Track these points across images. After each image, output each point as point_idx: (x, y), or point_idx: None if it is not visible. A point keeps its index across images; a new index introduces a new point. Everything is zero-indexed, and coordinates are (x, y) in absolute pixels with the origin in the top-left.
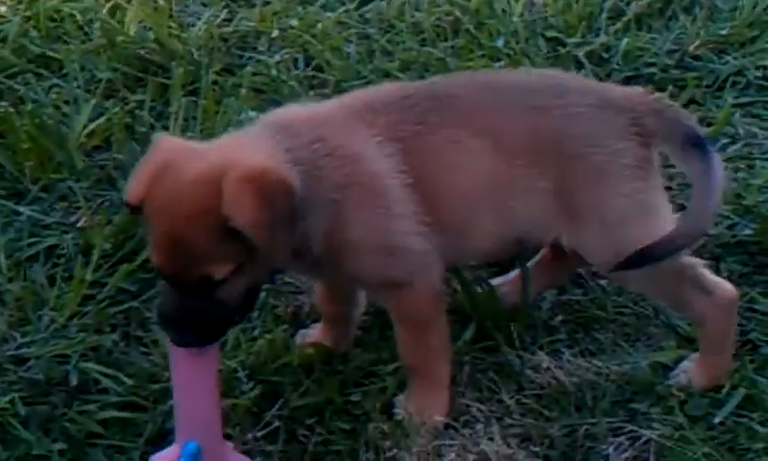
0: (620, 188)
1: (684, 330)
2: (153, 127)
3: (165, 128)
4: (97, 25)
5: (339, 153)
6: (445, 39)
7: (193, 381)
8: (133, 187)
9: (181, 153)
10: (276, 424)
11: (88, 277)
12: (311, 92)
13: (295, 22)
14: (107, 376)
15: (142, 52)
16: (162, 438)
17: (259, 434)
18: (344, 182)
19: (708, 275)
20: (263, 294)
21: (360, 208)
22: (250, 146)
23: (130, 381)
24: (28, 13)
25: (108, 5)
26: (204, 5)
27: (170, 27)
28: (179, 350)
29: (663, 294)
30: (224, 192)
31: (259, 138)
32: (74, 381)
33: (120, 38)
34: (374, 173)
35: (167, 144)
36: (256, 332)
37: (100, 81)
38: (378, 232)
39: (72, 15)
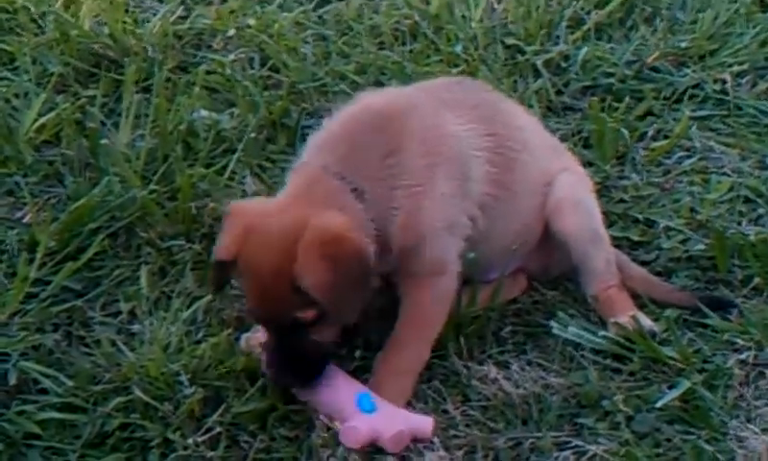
0: None
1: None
2: (103, 123)
3: (116, 125)
4: (51, 18)
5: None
6: (403, 43)
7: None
8: (225, 246)
9: (263, 213)
10: (218, 429)
11: (32, 274)
12: (265, 93)
13: (252, 21)
14: (47, 376)
15: (96, 47)
16: (102, 441)
17: (200, 439)
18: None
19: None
20: (209, 297)
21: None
22: (322, 198)
23: (70, 382)
24: None
25: None
26: (161, 1)
27: (125, 22)
28: None
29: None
30: (297, 255)
31: (323, 184)
32: (13, 381)
33: (74, 32)
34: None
35: (248, 208)
36: (200, 336)
37: (52, 75)
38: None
39: (26, 7)
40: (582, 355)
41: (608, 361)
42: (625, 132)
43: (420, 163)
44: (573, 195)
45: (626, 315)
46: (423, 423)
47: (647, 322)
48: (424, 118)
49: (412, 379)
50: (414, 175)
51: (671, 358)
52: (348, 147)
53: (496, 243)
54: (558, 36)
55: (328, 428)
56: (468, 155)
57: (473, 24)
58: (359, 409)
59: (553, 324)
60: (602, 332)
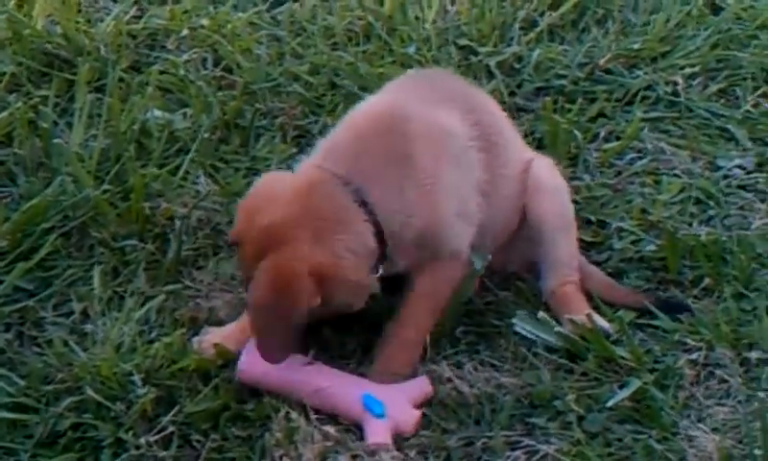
0: None
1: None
2: (56, 123)
3: (69, 125)
4: (3, 17)
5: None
6: (357, 44)
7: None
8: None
9: (269, 201)
10: (171, 429)
11: None
12: (219, 93)
13: (205, 22)
14: None
15: (48, 46)
16: (54, 440)
17: (153, 439)
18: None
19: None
20: (162, 297)
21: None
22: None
23: (21, 382)
24: None
25: None
26: (114, 0)
27: (78, 22)
28: None
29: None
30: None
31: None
32: None
33: (26, 32)
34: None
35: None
36: (153, 335)
37: (4, 74)
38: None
39: None
40: (534, 355)
41: (561, 361)
42: (577, 133)
43: (427, 161)
44: (551, 180)
45: (581, 314)
46: (423, 385)
47: (601, 322)
48: (423, 118)
49: (419, 350)
50: (424, 173)
51: (623, 358)
52: (354, 152)
53: (491, 232)
54: (511, 38)
55: (287, 419)
56: (464, 146)
57: (427, 25)
58: (369, 413)
59: (515, 321)
60: (557, 328)
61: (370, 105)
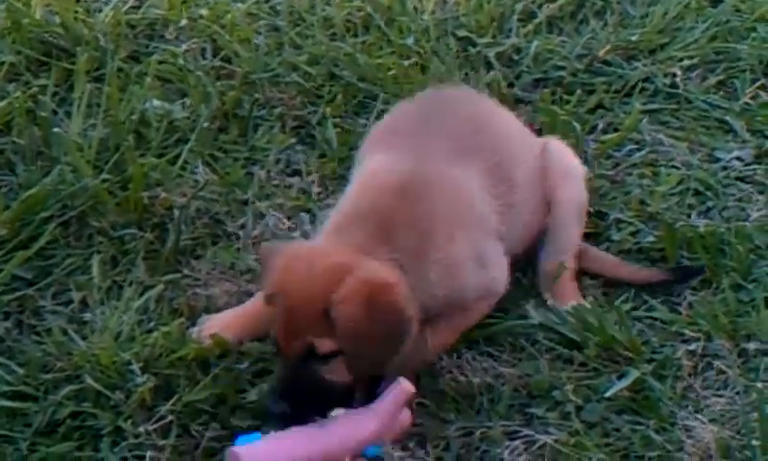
0: None
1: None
2: (55, 112)
3: (68, 114)
4: (2, 6)
5: None
6: (356, 35)
7: None
8: (269, 281)
9: (311, 252)
10: (170, 418)
11: None
12: (218, 83)
13: (204, 11)
14: None
15: (47, 36)
16: (53, 429)
17: (151, 428)
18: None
19: None
20: (160, 286)
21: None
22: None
23: (21, 370)
24: None
25: None
26: None
27: (76, 11)
28: None
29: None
30: (342, 284)
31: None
32: None
33: (25, 21)
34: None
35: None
36: (152, 324)
37: (2, 63)
38: None
39: None
40: (533, 345)
41: (559, 351)
42: (576, 124)
43: (444, 235)
44: (569, 165)
45: (571, 301)
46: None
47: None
48: (433, 183)
49: (434, 359)
50: (443, 250)
51: (621, 345)
52: (387, 233)
53: (515, 238)
54: (509, 29)
55: None
56: (476, 194)
57: (425, 16)
58: (366, 457)
59: (529, 309)
60: (565, 308)
61: (378, 182)
